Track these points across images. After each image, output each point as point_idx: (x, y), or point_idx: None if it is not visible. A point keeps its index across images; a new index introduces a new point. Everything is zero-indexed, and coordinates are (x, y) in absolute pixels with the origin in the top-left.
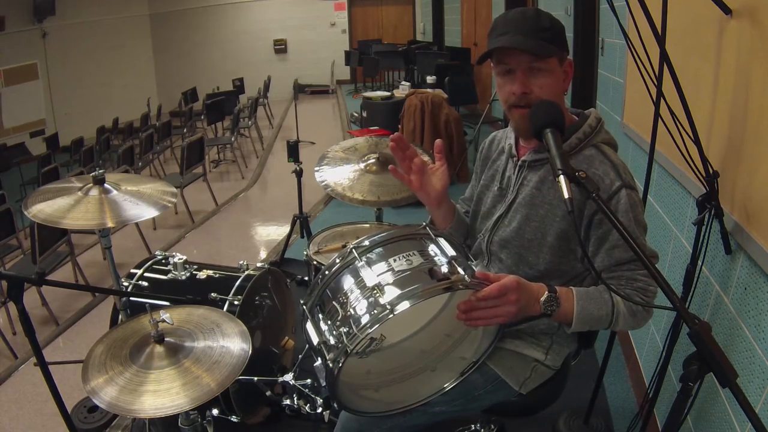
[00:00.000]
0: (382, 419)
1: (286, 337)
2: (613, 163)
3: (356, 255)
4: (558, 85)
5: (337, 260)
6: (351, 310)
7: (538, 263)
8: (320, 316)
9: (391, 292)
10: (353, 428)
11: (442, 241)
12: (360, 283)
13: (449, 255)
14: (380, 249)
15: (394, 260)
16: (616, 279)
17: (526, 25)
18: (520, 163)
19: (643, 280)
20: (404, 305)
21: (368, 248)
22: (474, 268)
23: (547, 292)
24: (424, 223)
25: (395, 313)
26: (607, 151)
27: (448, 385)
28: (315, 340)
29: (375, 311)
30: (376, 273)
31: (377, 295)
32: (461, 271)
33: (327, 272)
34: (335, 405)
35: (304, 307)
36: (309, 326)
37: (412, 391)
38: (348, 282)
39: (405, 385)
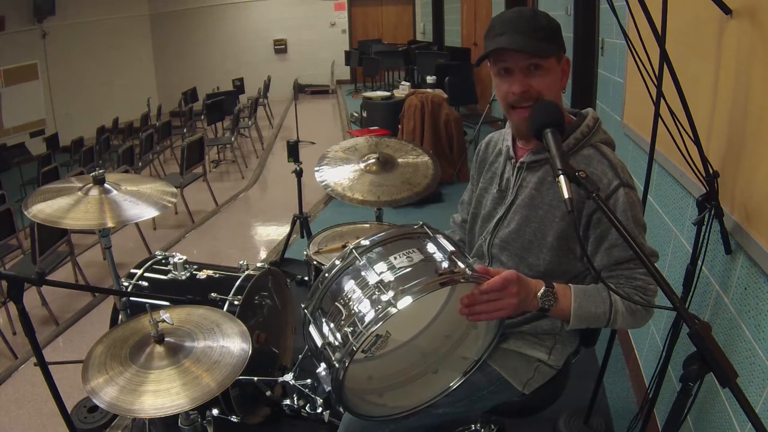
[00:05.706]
0: (387, 422)
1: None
2: (611, 162)
3: (356, 255)
4: (556, 84)
5: (337, 262)
6: (354, 309)
7: (539, 264)
8: (323, 318)
9: (394, 289)
10: (356, 431)
11: (441, 238)
12: (362, 282)
13: (448, 250)
14: (380, 248)
15: (395, 258)
16: (615, 278)
17: (524, 24)
18: (518, 164)
19: (643, 278)
20: (407, 300)
21: (368, 248)
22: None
23: (544, 287)
24: (421, 222)
25: (399, 308)
26: (606, 150)
27: (452, 385)
28: (318, 342)
29: (378, 308)
30: (377, 271)
31: (380, 292)
32: (462, 265)
33: (327, 274)
34: (341, 409)
35: (306, 311)
36: (312, 329)
37: (415, 394)
38: (349, 282)
39: (408, 388)
